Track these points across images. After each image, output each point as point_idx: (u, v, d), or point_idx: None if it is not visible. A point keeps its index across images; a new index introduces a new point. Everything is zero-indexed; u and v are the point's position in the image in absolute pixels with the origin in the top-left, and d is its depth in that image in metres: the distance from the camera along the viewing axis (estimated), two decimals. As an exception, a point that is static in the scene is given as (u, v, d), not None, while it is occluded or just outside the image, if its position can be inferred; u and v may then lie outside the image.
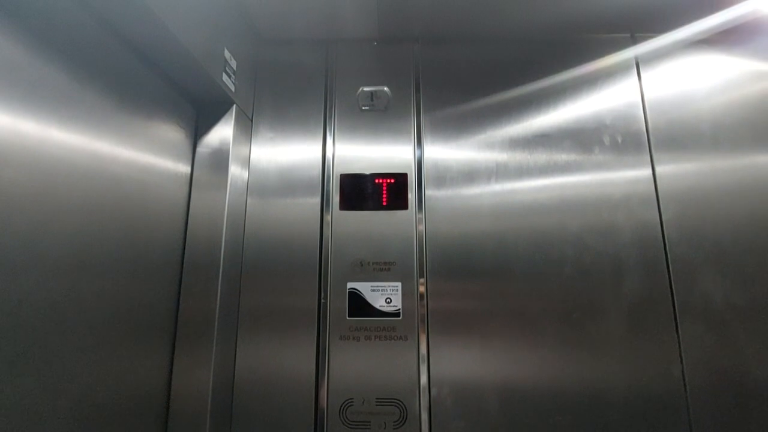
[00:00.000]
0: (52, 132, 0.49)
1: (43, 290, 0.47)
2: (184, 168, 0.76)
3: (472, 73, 0.91)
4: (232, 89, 0.79)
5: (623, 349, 0.77)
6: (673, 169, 0.84)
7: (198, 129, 0.80)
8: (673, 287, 0.79)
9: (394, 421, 0.75)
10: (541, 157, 0.86)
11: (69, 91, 0.52)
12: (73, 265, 0.51)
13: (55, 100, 0.50)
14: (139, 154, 0.64)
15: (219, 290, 0.73)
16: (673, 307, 0.78)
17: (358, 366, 0.78)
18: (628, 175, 0.84)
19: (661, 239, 0.81)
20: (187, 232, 0.76)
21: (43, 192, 0.48)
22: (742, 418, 0.73)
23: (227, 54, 0.77)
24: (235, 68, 0.80)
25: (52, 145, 0.49)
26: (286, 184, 0.86)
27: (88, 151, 0.54)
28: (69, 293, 0.51)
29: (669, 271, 0.79)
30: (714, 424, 0.73)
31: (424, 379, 0.77)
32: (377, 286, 0.80)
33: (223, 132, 0.80)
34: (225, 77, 0.76)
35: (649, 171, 0.84)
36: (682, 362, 0.76)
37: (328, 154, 0.87)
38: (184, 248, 0.75)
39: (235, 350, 0.78)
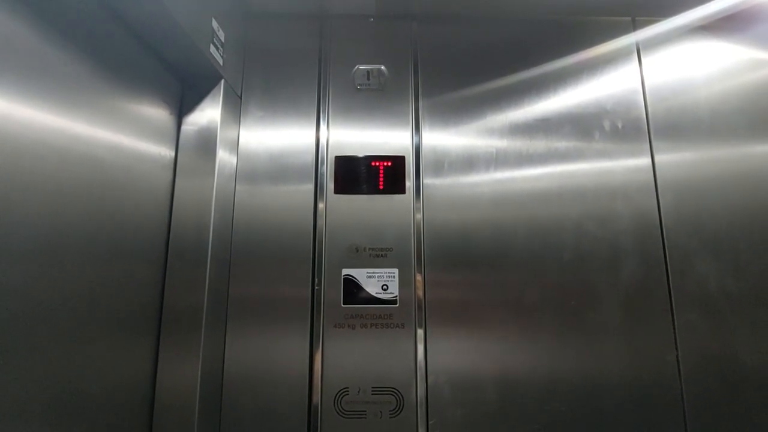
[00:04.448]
0: (18, 105, 0.44)
1: (14, 278, 0.42)
2: (167, 149, 0.71)
3: (472, 56, 0.88)
4: (220, 62, 0.74)
5: (619, 335, 0.77)
6: (671, 157, 0.83)
7: (183, 106, 0.75)
8: (669, 275, 0.79)
9: (391, 410, 0.73)
10: (541, 143, 0.84)
11: (39, 55, 0.46)
12: (46, 252, 0.46)
13: (24, 67, 0.44)
14: (118, 131, 0.59)
15: (207, 280, 0.69)
16: (669, 294, 0.78)
17: (353, 355, 0.75)
18: (627, 162, 0.83)
19: (659, 227, 0.80)
20: (172, 219, 0.71)
21: (9, 172, 0.42)
22: (734, 404, 0.75)
23: (215, 24, 0.72)
24: (223, 40, 0.75)
25: (18, 120, 0.44)
26: (277, 166, 0.81)
27: (60, 127, 0.49)
28: (43, 281, 0.46)
29: (666, 259, 0.79)
30: (707, 411, 0.74)
31: (421, 367, 0.75)
32: (373, 273, 0.78)
33: (210, 109, 0.75)
34: (213, 49, 0.71)
35: (648, 158, 0.83)
36: (677, 349, 0.76)
37: (322, 135, 0.83)
38: (168, 236, 0.70)
39: (225, 341, 0.74)
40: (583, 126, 0.85)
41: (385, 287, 0.77)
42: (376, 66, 0.86)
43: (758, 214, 0.81)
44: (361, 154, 0.82)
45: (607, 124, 0.85)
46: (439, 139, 0.84)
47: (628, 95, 0.86)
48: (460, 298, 0.78)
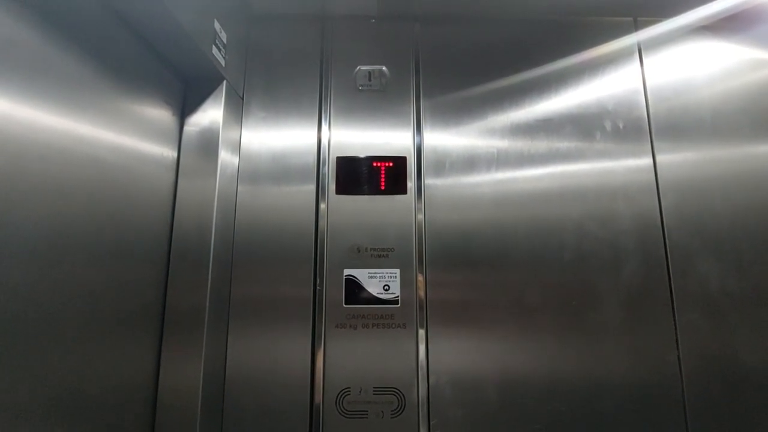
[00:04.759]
0: (20, 106, 0.44)
1: (17, 279, 0.43)
2: (170, 150, 0.71)
3: (473, 56, 0.88)
4: (222, 63, 0.74)
5: (621, 336, 0.77)
6: (673, 157, 0.83)
7: (186, 107, 0.75)
8: (670, 275, 0.79)
9: (392, 410, 0.74)
10: (542, 143, 0.84)
11: (43, 56, 0.47)
12: (48, 252, 0.47)
13: (28, 68, 0.45)
14: (120, 132, 0.60)
15: (209, 280, 0.69)
16: (671, 294, 0.78)
17: (354, 355, 0.75)
18: (628, 163, 0.83)
19: (660, 227, 0.80)
20: (174, 219, 0.71)
21: (12, 173, 0.43)
22: (735, 405, 0.74)
23: (217, 26, 0.72)
24: (225, 42, 0.75)
25: (20, 121, 0.44)
26: (279, 167, 0.82)
27: (63, 128, 0.49)
28: (46, 282, 0.46)
29: (667, 259, 0.79)
30: (708, 411, 0.74)
31: (422, 367, 0.75)
32: (375, 273, 0.78)
33: (212, 110, 0.75)
34: (215, 50, 0.71)
35: (650, 158, 0.83)
36: (678, 349, 0.76)
37: (324, 136, 0.84)
38: (170, 237, 0.71)
39: (227, 341, 0.75)
40: (585, 126, 0.85)
41: (386, 287, 0.77)
42: (378, 67, 0.87)
43: (760, 214, 0.80)
44: (362, 155, 0.83)
45: (608, 125, 0.85)
46: (441, 139, 0.84)
47: (629, 95, 0.86)
48: (461, 299, 0.78)
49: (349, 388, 0.74)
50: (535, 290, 0.78)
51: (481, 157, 0.83)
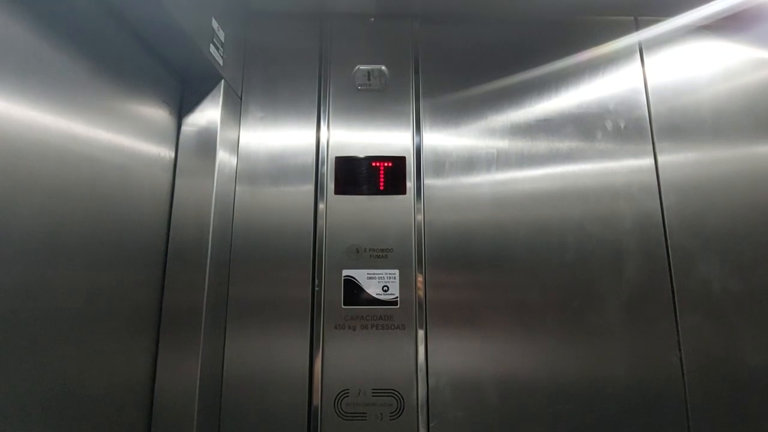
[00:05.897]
0: (15, 105, 0.43)
1: (13, 279, 0.42)
2: (167, 150, 0.71)
3: (474, 56, 0.88)
4: (220, 63, 0.73)
5: (622, 336, 0.76)
6: (674, 157, 0.83)
7: (183, 106, 0.75)
8: (672, 275, 0.78)
9: (391, 412, 0.73)
10: (542, 144, 0.83)
11: (38, 55, 0.46)
12: (43, 253, 0.46)
13: (23, 67, 0.44)
14: (117, 131, 0.59)
15: (206, 281, 0.69)
16: (673, 295, 0.77)
17: (353, 356, 0.75)
18: (630, 163, 0.83)
19: (662, 227, 0.80)
20: (172, 219, 0.71)
21: (8, 173, 0.42)
22: (738, 406, 0.74)
23: (215, 24, 0.71)
24: (223, 40, 0.74)
25: (15, 121, 0.43)
26: (277, 167, 0.81)
27: (60, 128, 0.49)
28: (43, 282, 0.46)
29: (669, 260, 0.79)
30: (711, 412, 0.74)
31: (422, 368, 0.74)
32: (374, 274, 0.77)
33: (210, 110, 0.75)
34: (213, 49, 0.70)
35: (651, 158, 0.83)
36: (680, 350, 0.75)
37: (323, 136, 0.83)
38: (168, 237, 0.70)
39: (224, 342, 0.74)
40: (586, 126, 0.84)
41: (385, 288, 0.77)
42: (377, 66, 0.86)
43: (762, 215, 0.80)
44: (361, 155, 0.82)
45: (609, 125, 0.84)
46: (440, 139, 0.84)
47: (630, 95, 0.85)
48: (461, 300, 0.77)
49: (347, 389, 0.74)
50: (536, 291, 0.78)
51: (481, 158, 0.83)
